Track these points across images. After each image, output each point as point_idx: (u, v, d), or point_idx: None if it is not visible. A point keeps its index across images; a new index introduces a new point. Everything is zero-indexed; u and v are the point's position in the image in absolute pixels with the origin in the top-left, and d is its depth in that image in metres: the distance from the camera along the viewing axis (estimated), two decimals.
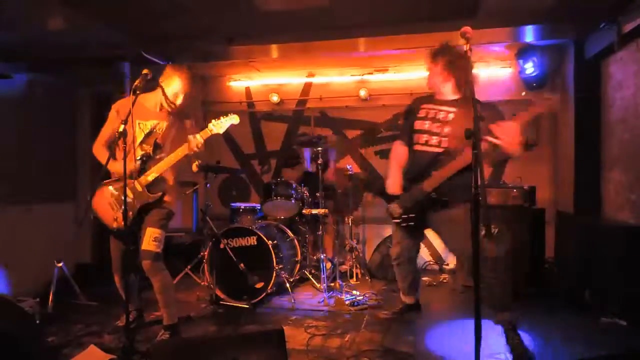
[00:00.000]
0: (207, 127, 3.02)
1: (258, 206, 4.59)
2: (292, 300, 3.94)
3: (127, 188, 2.66)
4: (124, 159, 2.62)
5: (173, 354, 2.21)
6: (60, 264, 3.88)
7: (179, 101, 3.09)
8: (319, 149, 4.34)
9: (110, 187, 3.07)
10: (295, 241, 4.43)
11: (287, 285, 4.05)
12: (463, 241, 2.86)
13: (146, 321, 3.47)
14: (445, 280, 4.69)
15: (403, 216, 3.07)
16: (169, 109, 3.10)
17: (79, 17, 3.74)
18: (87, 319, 3.54)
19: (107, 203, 3.05)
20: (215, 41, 4.41)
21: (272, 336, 2.23)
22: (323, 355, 2.87)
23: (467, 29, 2.09)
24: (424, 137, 3.00)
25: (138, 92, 2.70)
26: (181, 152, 2.97)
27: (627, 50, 3.77)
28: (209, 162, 4.38)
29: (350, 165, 5.13)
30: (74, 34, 4.08)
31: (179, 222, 5.04)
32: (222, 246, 3.96)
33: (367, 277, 4.77)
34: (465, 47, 2.09)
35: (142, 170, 3.01)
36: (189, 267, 4.60)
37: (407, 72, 5.39)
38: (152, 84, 2.98)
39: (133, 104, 2.68)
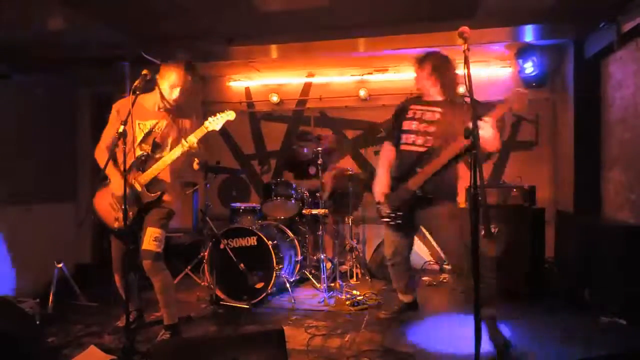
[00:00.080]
0: (203, 124, 3.02)
1: (258, 206, 4.59)
2: (292, 301, 3.94)
3: (127, 188, 2.66)
4: (124, 159, 2.62)
5: (173, 354, 2.21)
6: (60, 265, 3.88)
7: (174, 96, 3.04)
8: (319, 149, 4.34)
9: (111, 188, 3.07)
10: (295, 241, 4.43)
11: (287, 285, 4.05)
12: (447, 238, 3.07)
13: (146, 321, 3.47)
14: (445, 280, 4.69)
15: (391, 215, 3.17)
16: (167, 106, 3.09)
17: (79, 17, 3.74)
18: (87, 320, 3.54)
19: (107, 203, 3.06)
20: (215, 41, 4.41)
21: (272, 336, 2.23)
22: (323, 356, 2.87)
23: (465, 28, 2.11)
24: (412, 137, 3.13)
25: (138, 92, 2.70)
26: (177, 151, 2.96)
27: (626, 49, 3.77)
28: (209, 160, 4.38)
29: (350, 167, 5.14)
30: (74, 34, 4.08)
31: (179, 222, 5.04)
32: (222, 246, 3.96)
33: (367, 277, 4.77)
34: (463, 47, 2.10)
35: (141, 169, 3.01)
36: (189, 267, 4.60)
37: (406, 72, 5.38)
38: (151, 85, 2.98)
39: (133, 104, 2.69)
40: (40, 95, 4.81)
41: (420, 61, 3.17)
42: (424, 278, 4.70)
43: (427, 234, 3.41)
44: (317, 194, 4.54)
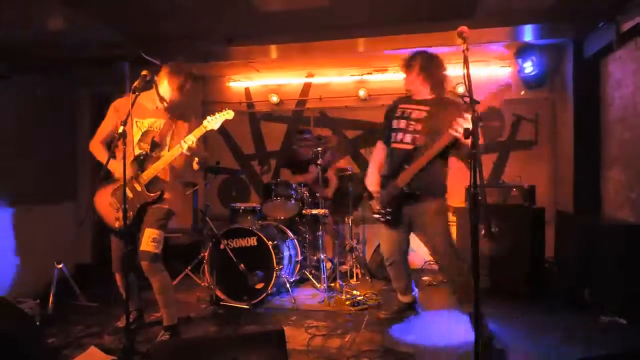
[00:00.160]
0: (201, 124, 3.01)
1: (258, 207, 4.59)
2: (293, 301, 3.94)
3: (127, 188, 2.66)
4: (124, 159, 2.62)
5: (173, 355, 2.21)
6: (61, 265, 3.87)
7: (170, 94, 3.05)
8: (319, 149, 4.34)
9: (111, 187, 3.07)
10: (296, 241, 4.43)
11: (288, 285, 4.05)
12: (433, 234, 3.15)
13: (146, 322, 3.47)
14: (445, 280, 4.69)
15: (381, 211, 3.28)
16: (164, 104, 3.09)
17: (79, 17, 3.74)
18: (87, 320, 3.54)
19: (108, 203, 3.05)
20: (215, 41, 4.41)
21: (272, 336, 2.23)
22: (323, 356, 2.87)
23: (464, 28, 2.12)
24: (400, 135, 3.22)
25: (137, 92, 2.70)
26: (176, 150, 2.96)
27: (625, 49, 3.78)
28: (209, 159, 4.38)
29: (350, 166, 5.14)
30: (74, 34, 4.08)
31: (179, 222, 5.04)
32: (222, 247, 3.96)
33: (367, 277, 4.77)
34: (463, 47, 2.11)
35: (140, 169, 3.01)
36: (189, 267, 4.60)
37: None
38: (150, 84, 2.99)
39: (132, 104, 2.69)
40: (40, 95, 4.81)
41: (409, 61, 3.25)
42: (424, 278, 4.70)
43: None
44: (317, 194, 4.54)
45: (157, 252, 3.00)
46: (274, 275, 3.85)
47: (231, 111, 3.04)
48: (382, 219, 3.29)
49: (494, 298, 3.77)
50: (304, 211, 4.48)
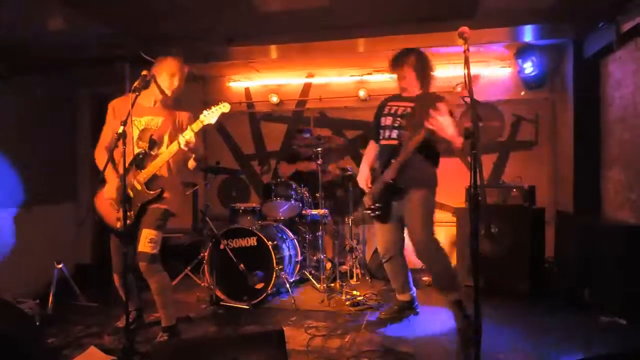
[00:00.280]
0: (198, 118, 3.00)
1: (258, 207, 4.59)
2: (292, 301, 3.94)
3: (126, 187, 2.66)
4: (124, 159, 2.62)
5: (173, 355, 2.21)
6: (60, 265, 3.87)
7: (174, 84, 3.06)
8: (319, 149, 4.34)
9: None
10: (295, 241, 4.43)
11: (287, 285, 4.05)
12: (415, 224, 3.24)
13: (146, 322, 3.46)
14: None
15: (372, 207, 3.38)
16: (166, 99, 3.09)
17: (79, 17, 3.74)
18: (87, 320, 3.54)
19: (108, 203, 3.05)
20: (215, 42, 4.41)
21: (272, 337, 2.23)
22: (323, 356, 2.87)
23: (465, 29, 2.12)
24: (387, 132, 3.34)
25: (137, 92, 2.70)
26: (174, 147, 2.95)
27: (625, 49, 3.78)
28: (207, 156, 4.37)
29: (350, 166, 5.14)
30: (73, 34, 4.08)
31: (179, 222, 5.04)
32: (222, 247, 3.96)
33: (367, 278, 4.77)
34: (464, 47, 2.11)
35: (140, 167, 3.01)
36: (189, 267, 4.60)
37: None
38: (150, 84, 2.99)
39: (132, 104, 2.68)
40: (40, 95, 4.81)
41: (395, 60, 3.36)
42: (424, 278, 4.69)
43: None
44: (317, 195, 4.54)
45: (154, 252, 2.99)
46: (274, 275, 3.85)
47: (227, 104, 3.04)
48: (372, 214, 3.41)
49: (494, 298, 3.78)
50: (303, 211, 4.48)
